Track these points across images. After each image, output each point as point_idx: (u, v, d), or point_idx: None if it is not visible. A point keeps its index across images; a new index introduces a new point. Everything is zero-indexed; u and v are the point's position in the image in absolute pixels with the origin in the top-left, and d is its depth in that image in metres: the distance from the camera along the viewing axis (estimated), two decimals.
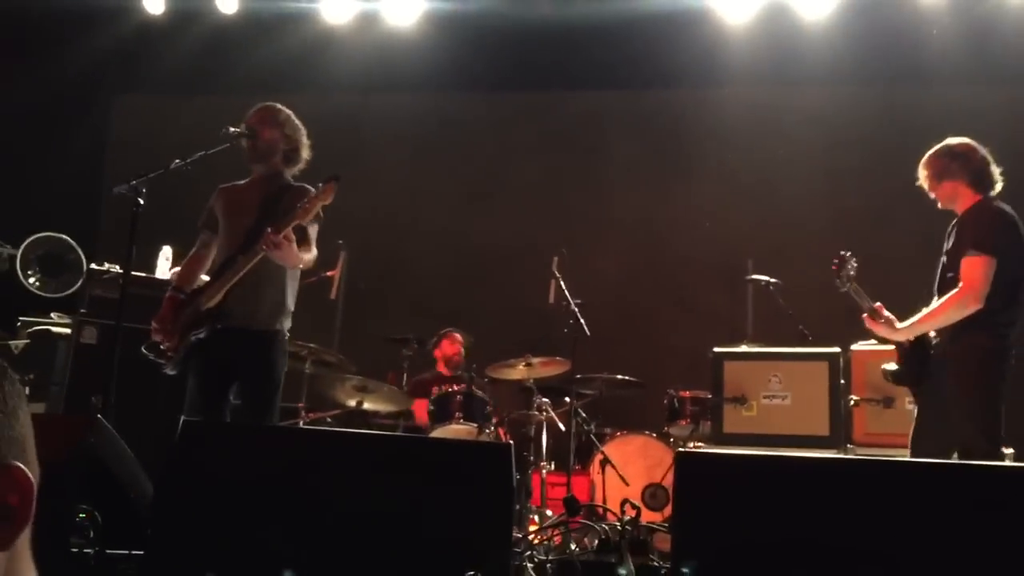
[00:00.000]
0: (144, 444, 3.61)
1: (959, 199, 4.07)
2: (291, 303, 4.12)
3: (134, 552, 2.93)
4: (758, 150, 7.23)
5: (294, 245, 3.80)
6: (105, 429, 3.13)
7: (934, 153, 4.15)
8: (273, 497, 2.97)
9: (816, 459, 3.03)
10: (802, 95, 7.24)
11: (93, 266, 5.44)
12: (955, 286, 3.88)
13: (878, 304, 4.09)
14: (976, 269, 3.82)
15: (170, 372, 3.98)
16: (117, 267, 5.14)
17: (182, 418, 3.15)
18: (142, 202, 3.86)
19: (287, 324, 4.11)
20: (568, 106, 7.80)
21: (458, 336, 6.67)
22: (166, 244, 5.58)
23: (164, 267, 5.55)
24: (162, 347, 3.94)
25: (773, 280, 5.95)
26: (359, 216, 7.24)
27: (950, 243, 4.07)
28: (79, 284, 5.83)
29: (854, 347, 5.26)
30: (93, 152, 7.87)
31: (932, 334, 4.05)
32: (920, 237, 6.85)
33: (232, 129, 4.10)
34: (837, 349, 5.26)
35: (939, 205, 4.16)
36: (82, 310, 5.35)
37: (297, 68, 7.43)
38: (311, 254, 4.02)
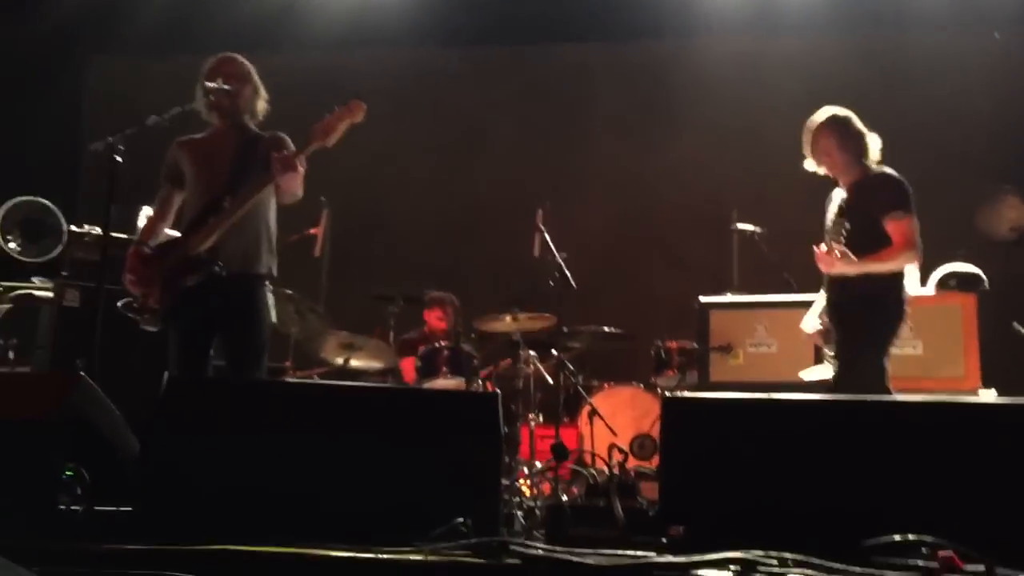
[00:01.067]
0: (130, 404, 3.60)
1: (851, 168, 4.27)
2: (275, 244, 4.14)
3: (122, 508, 2.92)
4: (741, 99, 7.19)
5: (303, 172, 3.85)
6: (89, 387, 3.12)
7: (836, 122, 4.29)
8: (261, 451, 2.97)
9: (798, 400, 3.05)
10: (783, 43, 7.19)
11: (73, 228, 5.39)
12: (876, 247, 4.11)
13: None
14: (907, 228, 4.12)
15: (152, 328, 3.93)
16: (97, 229, 5.09)
17: (166, 373, 3.13)
18: (119, 160, 3.81)
19: (275, 266, 4.12)
20: (549, 58, 7.73)
21: (440, 310, 6.59)
22: (146, 204, 5.52)
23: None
24: (137, 304, 3.89)
25: (758, 229, 5.95)
26: (341, 173, 7.15)
27: (856, 209, 4.21)
28: (60, 248, 5.77)
29: None
30: (70, 113, 7.76)
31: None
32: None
33: (212, 84, 4.04)
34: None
35: (822, 170, 4.33)
36: (64, 273, 5.31)
37: (274, 24, 7.31)
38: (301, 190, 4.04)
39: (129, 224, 5.42)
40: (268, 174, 3.82)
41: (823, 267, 4.21)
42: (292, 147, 4.03)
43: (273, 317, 4.15)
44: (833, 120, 4.29)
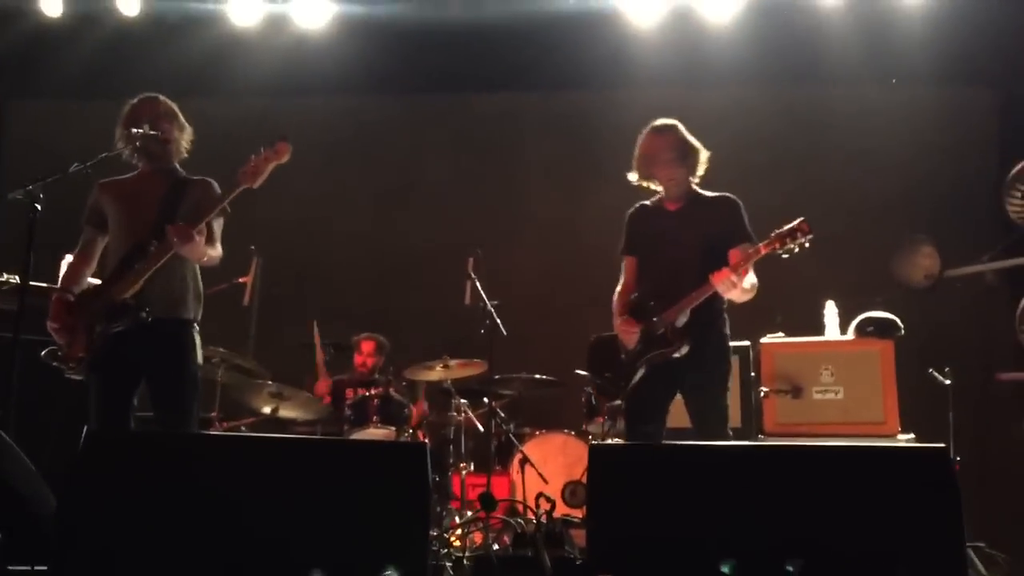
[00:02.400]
0: (48, 459, 3.51)
1: (686, 182, 4.17)
2: (202, 289, 4.11)
3: (37, 568, 2.83)
4: None
5: (202, 239, 3.80)
6: (3, 443, 3.03)
7: (680, 131, 4.20)
8: (184, 506, 2.91)
9: (722, 446, 3.10)
10: (707, 96, 7.37)
11: None
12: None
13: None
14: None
15: (76, 377, 3.84)
16: (16, 278, 4.97)
17: (85, 428, 3.06)
18: (39, 208, 3.74)
19: (200, 312, 4.08)
20: (480, 107, 7.82)
21: (369, 344, 6.57)
22: (68, 253, 5.41)
23: None
24: (61, 352, 3.81)
25: None
26: (271, 221, 7.13)
27: (698, 227, 4.05)
28: None
29: (763, 340, 5.40)
30: None
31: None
32: (822, 231, 7.08)
33: (137, 130, 4.00)
34: (747, 343, 5.39)
35: (646, 183, 4.24)
36: None
37: (204, 72, 7.25)
38: (216, 251, 4.00)
39: (50, 272, 5.30)
40: (167, 243, 3.78)
41: (723, 288, 3.87)
42: (218, 192, 4.01)
43: (199, 359, 4.08)
44: (678, 128, 4.19)
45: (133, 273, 3.84)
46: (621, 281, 4.33)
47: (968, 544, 2.85)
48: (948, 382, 5.38)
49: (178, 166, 4.17)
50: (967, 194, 6.93)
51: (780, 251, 3.87)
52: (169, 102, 4.15)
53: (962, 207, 6.91)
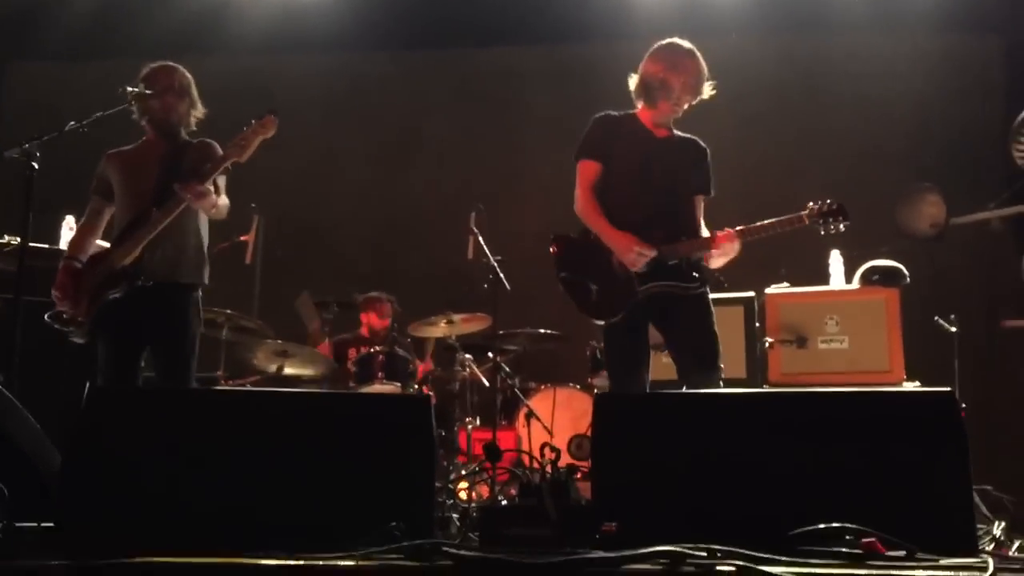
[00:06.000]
0: (52, 417, 3.51)
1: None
2: (207, 252, 4.12)
3: (43, 524, 2.84)
4: None
5: (213, 192, 3.84)
6: (7, 401, 3.03)
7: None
8: (188, 461, 2.91)
9: (727, 394, 3.10)
10: (708, 45, 7.23)
11: None
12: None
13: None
14: None
15: (79, 340, 3.88)
16: (15, 239, 4.95)
17: (87, 384, 3.06)
18: (36, 166, 3.72)
19: (207, 274, 4.09)
20: (482, 62, 7.75)
21: (387, 307, 6.56)
22: (69, 214, 5.39)
23: (68, 237, 5.36)
24: (66, 315, 3.84)
25: None
26: (272, 179, 7.10)
27: (690, 162, 3.94)
28: None
29: (768, 291, 5.38)
30: None
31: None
32: (826, 179, 7.05)
33: (131, 88, 3.97)
34: (751, 293, 5.37)
35: (680, 110, 3.98)
36: None
37: (201, 30, 7.20)
38: (224, 201, 4.02)
39: (51, 234, 5.29)
40: (178, 197, 3.80)
41: (735, 251, 3.78)
42: (219, 153, 3.99)
43: (200, 324, 4.11)
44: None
45: (133, 240, 3.86)
46: (582, 185, 4.02)
47: (975, 487, 2.84)
48: (954, 330, 5.36)
49: (182, 132, 4.14)
50: (973, 141, 6.87)
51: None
52: (181, 75, 4.10)
53: (968, 154, 6.86)
